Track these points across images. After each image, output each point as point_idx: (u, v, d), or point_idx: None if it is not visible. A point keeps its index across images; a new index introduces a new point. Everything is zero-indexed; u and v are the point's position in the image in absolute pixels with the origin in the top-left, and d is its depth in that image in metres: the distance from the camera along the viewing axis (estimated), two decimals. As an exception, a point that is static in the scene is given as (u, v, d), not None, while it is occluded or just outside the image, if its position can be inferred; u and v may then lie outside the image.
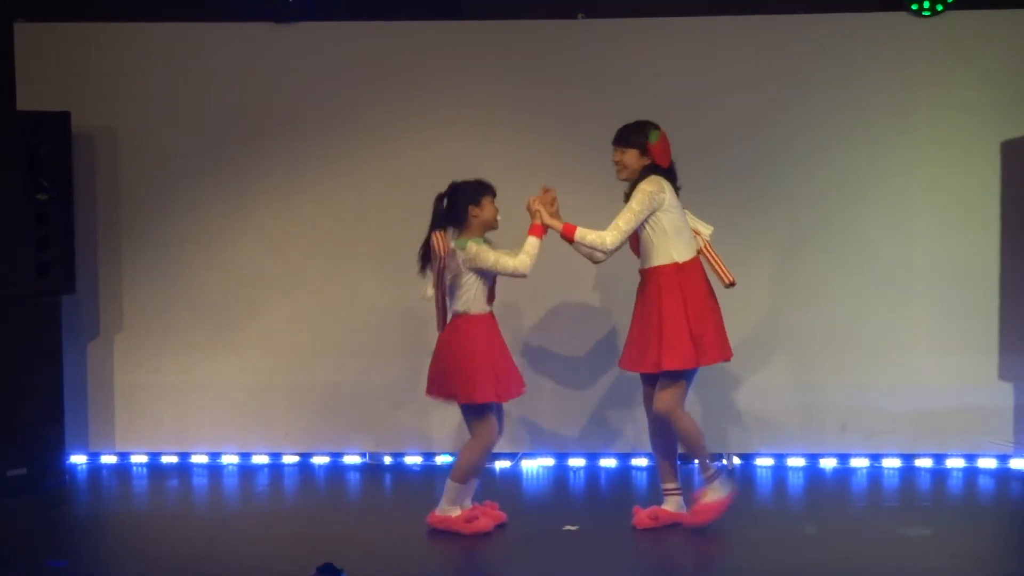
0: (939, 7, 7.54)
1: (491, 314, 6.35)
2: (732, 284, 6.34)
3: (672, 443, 6.42)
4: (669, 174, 6.30)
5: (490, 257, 6.18)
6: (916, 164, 7.66)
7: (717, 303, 6.34)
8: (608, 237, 6.14)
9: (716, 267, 6.33)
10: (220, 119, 7.84)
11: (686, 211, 6.34)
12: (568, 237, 6.20)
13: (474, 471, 6.36)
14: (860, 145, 7.66)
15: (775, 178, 7.70)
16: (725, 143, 7.66)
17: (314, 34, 7.81)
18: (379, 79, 7.80)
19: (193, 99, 7.84)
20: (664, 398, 6.22)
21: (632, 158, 6.26)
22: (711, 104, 7.65)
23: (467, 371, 6.21)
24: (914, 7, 7.55)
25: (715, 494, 6.29)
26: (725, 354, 6.34)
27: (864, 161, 7.66)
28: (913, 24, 7.61)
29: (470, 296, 6.26)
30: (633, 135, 6.27)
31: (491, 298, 6.34)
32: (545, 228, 6.23)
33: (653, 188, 6.16)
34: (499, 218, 6.28)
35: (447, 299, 6.30)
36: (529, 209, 6.25)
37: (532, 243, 6.20)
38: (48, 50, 7.78)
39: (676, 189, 6.30)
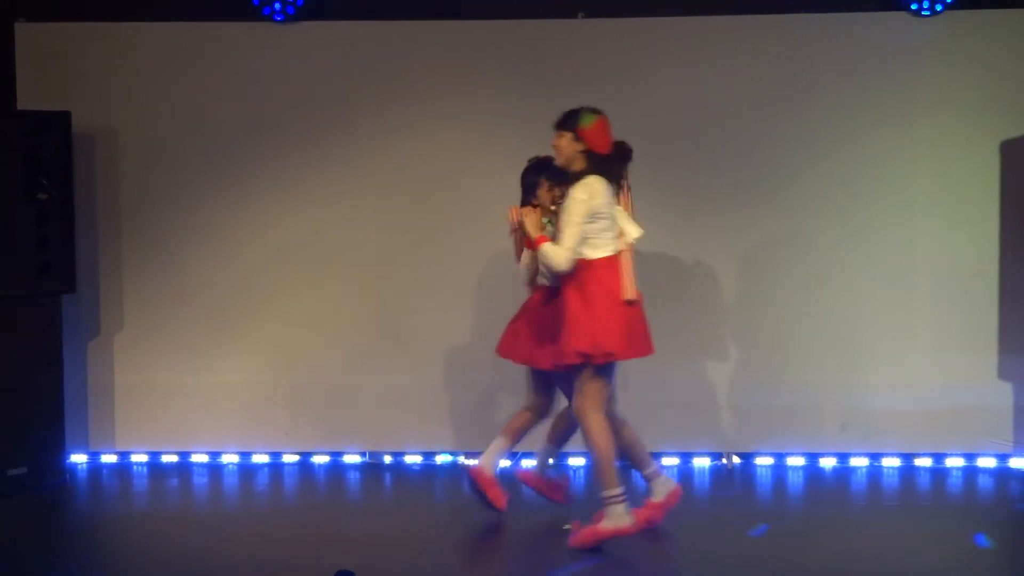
0: (939, 7, 7.55)
1: None
2: (630, 302, 5.95)
3: (618, 438, 6.14)
4: (611, 161, 6.04)
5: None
6: (916, 164, 7.66)
7: (626, 303, 5.97)
8: (563, 262, 5.91)
9: (625, 276, 5.99)
10: (220, 119, 7.83)
11: (617, 208, 6.07)
12: (532, 248, 6.12)
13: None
14: (859, 145, 7.65)
15: (775, 177, 7.69)
16: (724, 141, 7.65)
17: (314, 34, 7.80)
18: (379, 79, 7.79)
19: (193, 99, 7.83)
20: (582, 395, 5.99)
21: (566, 142, 6.03)
22: (710, 103, 7.64)
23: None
24: (914, 7, 7.57)
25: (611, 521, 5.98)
26: (638, 350, 6.02)
27: (863, 161, 7.66)
28: (913, 24, 7.61)
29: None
30: (568, 119, 6.08)
31: None
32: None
33: (584, 196, 5.92)
34: (552, 207, 6.26)
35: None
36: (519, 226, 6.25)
37: (526, 253, 6.35)
38: (48, 50, 7.77)
39: (619, 179, 6.05)
